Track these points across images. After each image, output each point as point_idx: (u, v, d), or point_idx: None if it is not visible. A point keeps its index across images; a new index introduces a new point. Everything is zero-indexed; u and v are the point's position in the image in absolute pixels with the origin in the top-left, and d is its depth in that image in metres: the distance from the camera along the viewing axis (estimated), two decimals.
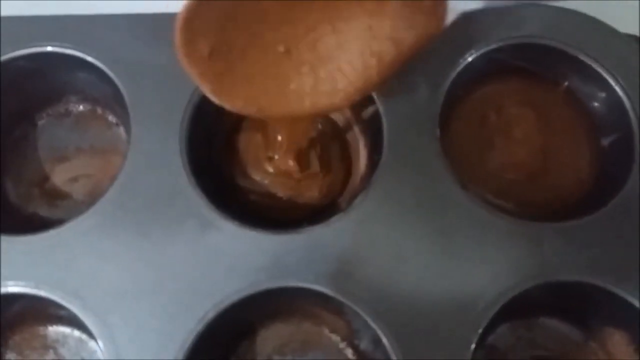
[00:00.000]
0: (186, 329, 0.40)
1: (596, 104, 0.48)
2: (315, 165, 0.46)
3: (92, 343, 0.44)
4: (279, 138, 0.45)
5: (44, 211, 0.48)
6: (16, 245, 0.41)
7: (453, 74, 0.45)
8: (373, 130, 0.46)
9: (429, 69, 0.45)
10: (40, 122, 0.50)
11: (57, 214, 0.48)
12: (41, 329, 0.45)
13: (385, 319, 0.40)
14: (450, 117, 0.48)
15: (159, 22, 0.45)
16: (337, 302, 0.41)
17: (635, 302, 0.41)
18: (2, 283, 0.41)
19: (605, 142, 0.47)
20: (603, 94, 0.47)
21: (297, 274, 0.41)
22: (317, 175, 0.46)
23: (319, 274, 0.41)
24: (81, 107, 0.50)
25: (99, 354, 0.40)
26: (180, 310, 0.40)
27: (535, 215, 0.45)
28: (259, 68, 0.38)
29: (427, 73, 0.45)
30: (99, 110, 0.50)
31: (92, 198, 0.45)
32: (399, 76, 0.42)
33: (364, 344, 0.44)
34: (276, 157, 0.46)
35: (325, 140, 0.48)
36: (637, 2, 0.49)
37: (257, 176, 0.47)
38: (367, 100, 0.45)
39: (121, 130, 0.50)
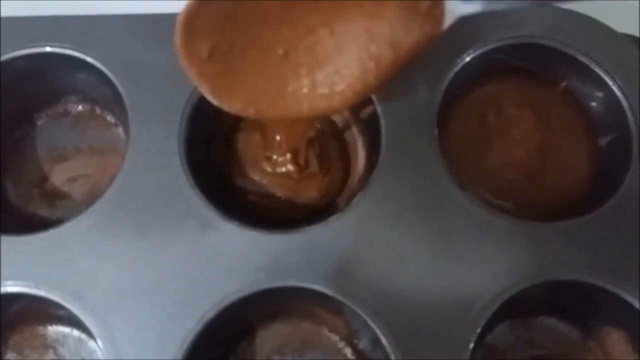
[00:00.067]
0: (186, 328, 0.40)
1: (594, 104, 0.48)
2: (314, 165, 0.46)
3: (91, 343, 0.45)
4: (278, 138, 0.45)
5: (43, 211, 0.48)
6: (16, 245, 0.41)
7: (451, 74, 0.45)
8: (371, 130, 0.46)
9: (427, 69, 0.45)
10: (40, 122, 0.50)
11: (57, 214, 0.48)
12: (41, 328, 0.45)
13: (384, 319, 0.40)
14: (448, 117, 0.48)
15: (158, 22, 0.45)
16: (336, 301, 0.41)
17: (634, 301, 0.41)
18: (2, 283, 0.41)
19: (603, 141, 0.48)
20: (601, 94, 0.47)
21: (296, 273, 0.41)
22: (316, 175, 0.46)
23: (318, 273, 0.41)
24: (80, 108, 0.50)
25: (99, 354, 0.40)
26: (180, 310, 0.40)
27: (534, 214, 0.45)
28: (258, 70, 0.38)
29: (426, 73, 0.45)
30: (98, 111, 0.50)
31: (91, 198, 0.45)
32: (397, 76, 0.42)
33: (363, 344, 0.44)
34: (275, 157, 0.46)
35: (324, 140, 0.48)
36: (636, 2, 0.49)
37: (255, 176, 0.47)
38: (366, 101, 0.45)
39: (120, 130, 0.50)
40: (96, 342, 0.40)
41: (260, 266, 0.41)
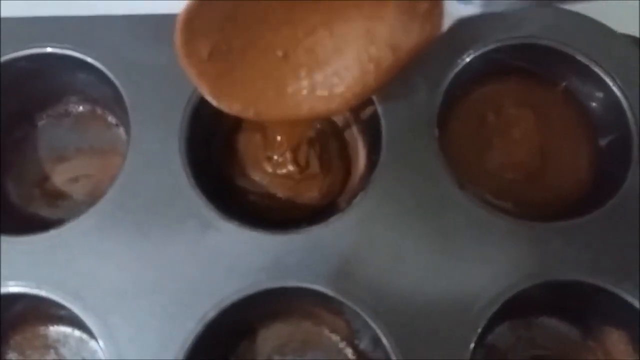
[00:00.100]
0: (186, 328, 0.40)
1: (594, 104, 0.48)
2: (315, 165, 0.46)
3: (92, 343, 0.45)
4: (278, 139, 0.45)
5: (44, 211, 0.48)
6: (17, 245, 0.42)
7: (451, 74, 0.45)
8: (372, 131, 0.46)
9: (427, 69, 0.45)
10: (41, 123, 0.50)
11: (58, 214, 0.48)
12: (42, 328, 0.45)
13: (385, 319, 0.40)
14: (448, 117, 0.48)
15: (159, 23, 0.45)
16: (336, 302, 0.41)
17: (634, 301, 0.41)
18: (3, 283, 0.41)
19: (603, 142, 0.48)
20: (601, 94, 0.47)
21: (297, 274, 0.41)
22: (317, 175, 0.47)
23: (318, 274, 0.41)
24: (81, 108, 0.50)
25: (100, 354, 0.40)
26: (181, 310, 0.40)
27: (534, 215, 0.45)
28: (257, 71, 0.38)
29: (426, 73, 0.45)
30: (99, 111, 0.50)
31: (92, 198, 0.45)
32: (397, 78, 0.42)
33: (364, 344, 0.44)
34: (275, 157, 0.46)
35: (325, 141, 0.48)
36: (636, 2, 0.49)
37: (256, 176, 0.47)
38: (366, 101, 0.45)
39: (121, 130, 0.50)
40: (97, 342, 0.40)
41: (260, 266, 0.41)
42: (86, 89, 0.49)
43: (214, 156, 0.48)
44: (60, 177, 0.49)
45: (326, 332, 0.46)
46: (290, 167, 0.46)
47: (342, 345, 0.46)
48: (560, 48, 0.46)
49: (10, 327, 0.45)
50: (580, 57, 0.46)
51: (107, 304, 0.40)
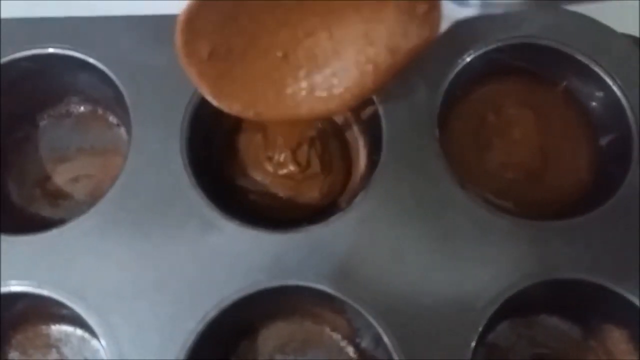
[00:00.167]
0: (187, 328, 0.40)
1: (594, 104, 0.48)
2: (316, 165, 0.46)
3: (94, 342, 0.45)
4: (279, 139, 0.45)
5: (45, 211, 0.48)
6: (18, 245, 0.42)
7: (452, 74, 0.46)
8: (372, 131, 0.47)
9: (427, 70, 0.45)
10: (42, 123, 0.50)
11: (59, 214, 0.48)
12: (44, 328, 0.46)
13: (386, 318, 0.40)
14: (449, 117, 0.48)
15: (160, 23, 0.45)
16: (338, 300, 0.41)
17: (635, 300, 0.41)
18: (5, 282, 0.41)
19: (604, 141, 0.48)
20: (601, 94, 0.47)
21: (298, 273, 0.41)
22: (318, 175, 0.47)
23: (319, 273, 0.41)
24: (82, 108, 0.51)
25: (102, 353, 0.40)
26: (182, 309, 0.40)
27: (535, 214, 0.45)
28: (257, 71, 0.38)
29: (426, 73, 0.45)
30: (100, 111, 0.50)
31: (93, 198, 0.45)
32: (396, 79, 0.42)
33: (365, 343, 0.44)
34: (276, 157, 0.46)
35: (326, 141, 0.48)
36: (636, 2, 0.50)
37: (257, 176, 0.47)
38: (367, 101, 0.45)
39: (122, 131, 0.50)
40: (99, 342, 0.40)
41: (261, 266, 0.41)
42: (87, 89, 0.49)
43: (215, 156, 0.48)
44: (61, 177, 0.49)
45: (327, 331, 0.46)
46: (291, 167, 0.46)
47: (343, 344, 0.46)
48: (561, 48, 0.46)
49: (12, 326, 0.45)
50: (580, 57, 0.46)
51: (109, 303, 0.40)
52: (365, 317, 0.40)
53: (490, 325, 0.41)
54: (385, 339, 0.40)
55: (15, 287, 0.41)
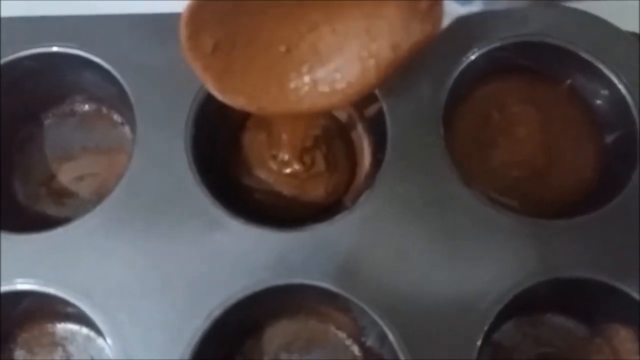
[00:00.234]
0: (193, 326, 0.40)
1: (599, 102, 0.48)
2: (320, 164, 0.46)
3: (100, 340, 0.45)
4: (284, 137, 0.45)
5: (50, 210, 0.48)
6: (24, 243, 0.42)
7: (456, 73, 0.46)
8: (377, 129, 0.47)
9: (432, 68, 0.45)
10: (47, 122, 0.50)
11: (64, 213, 0.48)
12: (49, 326, 0.46)
13: (391, 316, 0.40)
14: (453, 115, 0.48)
15: (164, 22, 0.45)
16: (343, 299, 0.41)
17: None
18: (11, 281, 0.41)
19: (609, 139, 0.48)
20: (606, 92, 0.47)
21: (303, 271, 0.41)
22: (323, 174, 0.47)
23: (324, 271, 0.41)
24: (86, 107, 0.51)
25: (107, 351, 0.40)
26: (187, 308, 0.40)
27: (540, 212, 0.45)
28: (261, 66, 0.38)
29: (430, 71, 0.45)
30: (104, 110, 0.50)
31: (98, 197, 0.45)
32: (402, 74, 0.42)
33: (371, 341, 0.44)
34: (280, 155, 0.46)
35: (330, 139, 0.48)
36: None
37: (262, 175, 0.47)
38: (371, 99, 0.46)
39: (126, 129, 0.50)
40: (104, 340, 0.40)
41: (266, 264, 0.41)
42: (92, 88, 0.49)
43: (220, 154, 0.48)
44: (66, 175, 0.49)
45: (332, 329, 0.46)
46: (296, 166, 0.46)
47: (348, 342, 0.46)
48: (565, 46, 0.46)
49: (17, 324, 0.45)
50: (585, 55, 0.46)
51: (114, 302, 0.40)
52: (371, 315, 0.40)
53: (495, 324, 0.41)
54: (391, 337, 0.40)
55: (20, 285, 0.41)
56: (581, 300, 0.44)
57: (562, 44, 0.46)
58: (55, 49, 0.46)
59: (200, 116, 0.44)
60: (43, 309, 0.44)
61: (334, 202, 0.48)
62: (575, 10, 0.47)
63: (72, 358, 0.45)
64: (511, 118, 0.49)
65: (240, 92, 0.38)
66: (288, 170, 0.47)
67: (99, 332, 0.40)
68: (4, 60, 0.45)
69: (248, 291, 0.41)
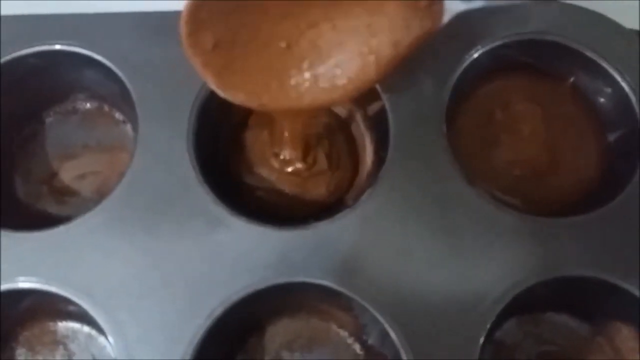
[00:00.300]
0: (194, 325, 0.40)
1: (602, 100, 0.48)
2: (322, 162, 0.46)
3: (101, 339, 0.45)
4: (285, 135, 0.45)
5: (52, 208, 0.48)
6: (25, 241, 0.42)
7: (459, 70, 0.45)
8: (379, 127, 0.46)
9: (435, 65, 0.45)
10: (48, 120, 0.50)
11: (66, 211, 0.48)
12: (51, 324, 0.46)
13: (393, 314, 0.40)
14: (456, 113, 0.48)
15: (166, 20, 0.45)
16: (344, 297, 0.41)
17: None
18: (12, 279, 0.41)
19: (612, 137, 0.48)
20: (609, 90, 0.47)
21: (305, 269, 0.41)
22: (325, 172, 0.47)
23: (326, 269, 0.41)
24: (88, 105, 0.51)
25: (109, 350, 0.40)
26: (189, 306, 0.40)
27: (542, 210, 0.45)
28: (261, 62, 0.38)
29: (433, 69, 0.45)
30: (106, 108, 0.50)
31: (100, 195, 0.45)
32: (405, 72, 0.42)
33: (372, 339, 0.44)
34: (282, 154, 0.46)
35: (332, 137, 0.48)
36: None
37: (264, 173, 0.47)
38: (374, 97, 0.45)
39: (128, 127, 0.50)
40: (106, 338, 0.40)
41: (268, 262, 0.41)
42: (93, 86, 0.49)
43: (222, 153, 0.48)
44: (67, 174, 0.49)
45: (334, 327, 0.46)
46: (298, 164, 0.46)
47: (350, 340, 0.46)
48: (568, 43, 0.46)
49: (19, 323, 0.45)
50: (588, 53, 0.46)
51: (116, 300, 0.40)
52: (372, 313, 0.40)
53: (497, 323, 0.41)
54: (392, 335, 0.40)
55: (22, 283, 0.41)
56: (583, 299, 0.44)
57: (565, 41, 0.46)
58: (57, 47, 0.46)
59: (202, 114, 0.44)
60: (44, 307, 0.44)
61: (335, 201, 0.48)
62: (578, 8, 0.47)
63: (73, 357, 0.45)
64: (514, 116, 0.49)
65: (240, 89, 0.38)
66: (290, 169, 0.46)
67: (100, 330, 0.41)
68: (5, 58, 0.45)
69: (249, 290, 0.41)
